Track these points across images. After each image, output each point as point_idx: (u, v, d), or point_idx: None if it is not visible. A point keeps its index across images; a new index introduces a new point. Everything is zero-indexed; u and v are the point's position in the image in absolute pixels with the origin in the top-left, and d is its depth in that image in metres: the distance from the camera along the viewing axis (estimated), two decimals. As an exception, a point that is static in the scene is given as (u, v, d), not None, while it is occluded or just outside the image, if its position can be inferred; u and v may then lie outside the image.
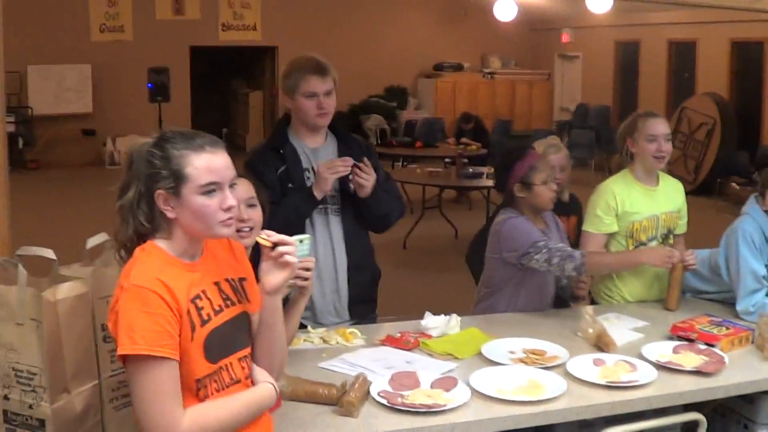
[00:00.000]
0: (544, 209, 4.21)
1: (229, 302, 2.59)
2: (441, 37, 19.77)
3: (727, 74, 15.45)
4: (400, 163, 14.48)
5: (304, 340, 3.67)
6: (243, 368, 2.62)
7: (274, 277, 2.62)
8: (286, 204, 3.90)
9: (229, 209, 2.49)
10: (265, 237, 2.61)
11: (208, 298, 2.52)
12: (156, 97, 15.29)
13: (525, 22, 18.72)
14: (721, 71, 15.50)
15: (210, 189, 2.46)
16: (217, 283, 2.59)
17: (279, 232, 2.62)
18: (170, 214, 2.48)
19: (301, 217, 3.96)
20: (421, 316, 3.91)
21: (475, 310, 4.31)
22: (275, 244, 2.61)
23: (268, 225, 2.77)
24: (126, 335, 2.35)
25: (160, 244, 2.51)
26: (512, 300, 4.17)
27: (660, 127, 4.41)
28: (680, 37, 16.55)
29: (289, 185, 3.98)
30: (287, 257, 2.60)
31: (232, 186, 2.53)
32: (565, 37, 20.11)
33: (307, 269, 2.89)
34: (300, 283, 2.89)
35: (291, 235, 3.83)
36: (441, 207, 12.22)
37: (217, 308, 2.54)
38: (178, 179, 2.45)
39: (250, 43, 17.94)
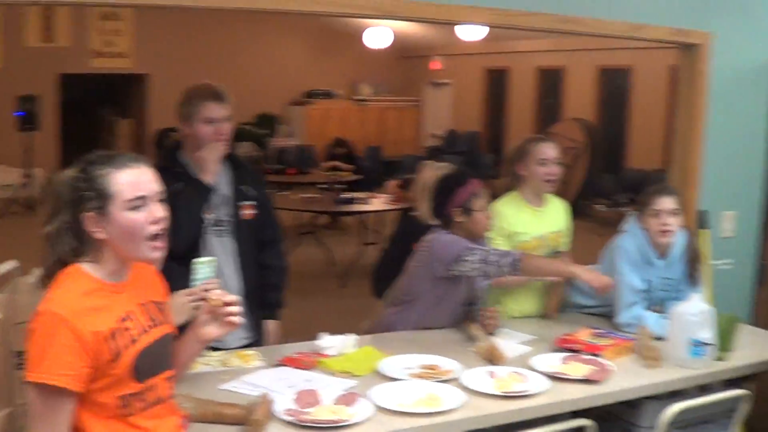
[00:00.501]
0: (481, 235, 4.29)
1: (155, 323, 2.64)
2: (312, 65, 19.88)
3: (594, 100, 15.93)
4: (274, 191, 14.49)
5: (203, 364, 3.69)
6: (169, 388, 2.68)
7: (213, 331, 2.74)
8: (183, 197, 3.90)
9: (157, 222, 2.55)
10: (218, 296, 2.69)
11: (135, 319, 2.57)
12: (25, 125, 14.96)
13: (396, 49, 18.95)
14: (588, 97, 15.97)
15: (137, 204, 2.51)
16: (143, 305, 2.63)
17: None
18: (100, 235, 2.50)
19: (198, 208, 4.01)
20: (306, 339, 3.99)
21: (385, 314, 4.39)
22: (226, 304, 2.69)
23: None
24: (32, 360, 2.39)
25: (85, 267, 2.53)
26: (427, 313, 4.25)
27: (550, 151, 4.61)
28: (548, 64, 17.00)
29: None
30: (234, 318, 2.70)
31: (160, 201, 2.58)
32: (436, 65, 20.44)
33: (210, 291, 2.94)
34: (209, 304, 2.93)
35: (195, 240, 3.86)
36: (316, 233, 12.31)
37: (146, 328, 2.58)
38: (104, 198, 2.48)
39: (122, 71, 17.75)
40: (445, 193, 4.27)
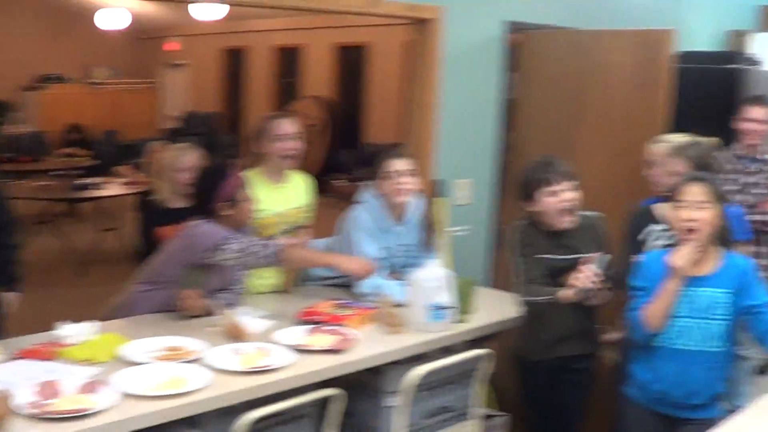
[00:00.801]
0: (246, 224, 4.27)
1: None
2: (44, 48, 19.10)
3: (332, 78, 16.10)
4: (7, 180, 13.89)
5: (-65, 363, 3.52)
6: None
7: None
8: None
9: None
10: None
11: None
12: None
13: (132, 31, 18.51)
14: (326, 75, 16.13)
15: None
16: None
17: None
18: None
19: None
20: (45, 331, 3.84)
21: (133, 291, 4.28)
22: None
23: None
24: None
25: None
26: (173, 298, 4.14)
27: (288, 127, 4.65)
28: (286, 43, 17.04)
29: None
30: None
31: None
32: (173, 46, 20.13)
33: None
34: None
35: None
36: (53, 221, 11.88)
37: None
38: None
39: None
40: (209, 187, 4.20)
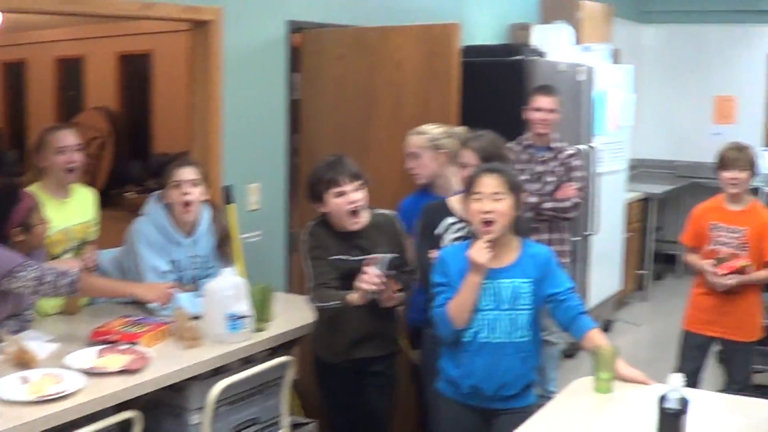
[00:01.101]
0: (40, 246, 4.06)
1: None
2: None
3: (116, 88, 15.71)
4: None
5: None
6: None
7: None
8: None
9: None
10: None
11: None
12: None
13: None
14: (110, 85, 15.72)
15: None
16: None
17: None
18: None
19: None
20: None
21: None
22: None
23: None
24: None
25: None
26: None
27: (68, 138, 4.48)
28: (67, 54, 16.53)
29: None
30: None
31: None
32: (-53, 62, 19.25)
33: None
34: None
35: None
36: None
37: None
38: None
39: None
40: (0, 211, 3.94)
